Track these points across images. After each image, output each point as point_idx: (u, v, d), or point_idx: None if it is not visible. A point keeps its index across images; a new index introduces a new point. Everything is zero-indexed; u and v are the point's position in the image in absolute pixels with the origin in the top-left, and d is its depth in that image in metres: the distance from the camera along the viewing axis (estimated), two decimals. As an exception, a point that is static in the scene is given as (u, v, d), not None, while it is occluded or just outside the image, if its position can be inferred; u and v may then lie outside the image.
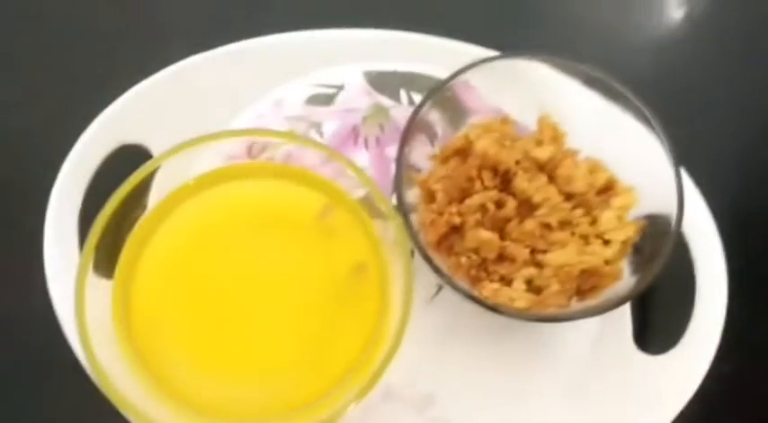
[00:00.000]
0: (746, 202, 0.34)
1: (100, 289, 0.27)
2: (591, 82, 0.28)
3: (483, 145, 0.27)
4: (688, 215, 0.29)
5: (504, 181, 0.28)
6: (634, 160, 0.28)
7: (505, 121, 0.29)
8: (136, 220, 0.29)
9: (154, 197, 0.29)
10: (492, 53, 0.32)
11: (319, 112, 0.34)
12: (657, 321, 0.31)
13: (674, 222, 0.26)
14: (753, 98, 0.37)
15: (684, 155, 0.30)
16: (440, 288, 0.31)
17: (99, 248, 0.26)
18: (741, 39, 0.38)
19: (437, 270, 0.25)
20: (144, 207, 0.29)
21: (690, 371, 0.29)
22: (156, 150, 0.31)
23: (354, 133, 0.34)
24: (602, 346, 0.30)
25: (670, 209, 0.27)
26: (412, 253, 0.26)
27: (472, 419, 0.29)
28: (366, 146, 0.34)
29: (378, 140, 0.34)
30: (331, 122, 0.34)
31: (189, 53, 0.33)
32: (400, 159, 0.26)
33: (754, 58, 0.38)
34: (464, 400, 0.30)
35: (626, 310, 0.30)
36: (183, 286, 0.28)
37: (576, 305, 0.26)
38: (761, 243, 0.33)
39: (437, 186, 0.28)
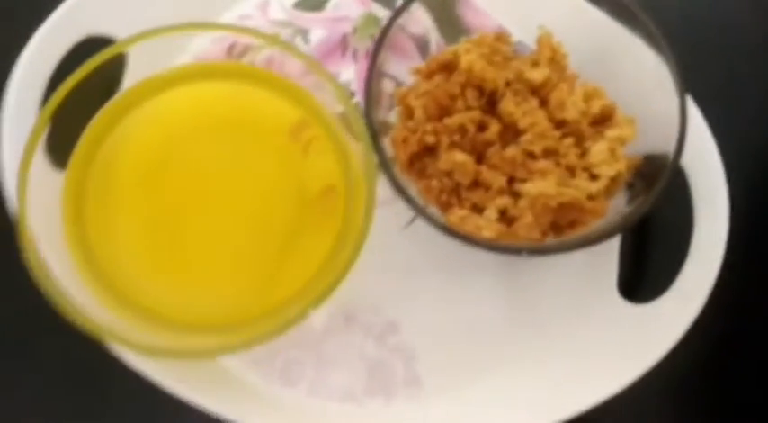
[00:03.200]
0: (761, 149, 0.31)
1: (52, 179, 0.26)
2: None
3: (469, 60, 0.25)
4: (693, 155, 0.27)
5: (491, 102, 0.25)
6: (639, 92, 0.26)
7: (500, 37, 0.27)
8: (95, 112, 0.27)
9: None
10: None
11: (307, 17, 0.32)
12: (647, 269, 0.29)
13: (672, 156, 0.23)
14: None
15: (698, 92, 0.27)
16: (415, 216, 0.30)
17: (55, 134, 0.25)
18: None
19: (400, 190, 0.23)
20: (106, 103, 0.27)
21: (673, 322, 0.27)
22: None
23: (343, 44, 0.31)
24: (583, 289, 0.28)
25: (671, 146, 0.24)
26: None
27: (432, 352, 0.28)
28: (355, 58, 0.31)
29: (367, 54, 0.31)
30: (319, 30, 0.32)
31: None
32: (372, 69, 0.24)
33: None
34: (427, 332, 0.28)
35: (613, 256, 0.28)
36: (142, 186, 0.27)
37: (550, 240, 0.24)
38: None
39: (416, 103, 0.25)
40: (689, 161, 0.27)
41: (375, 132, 0.23)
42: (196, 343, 0.26)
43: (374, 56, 0.24)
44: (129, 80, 0.28)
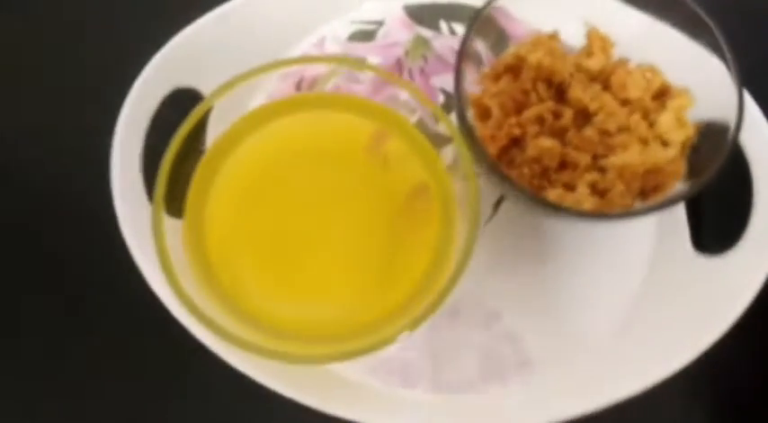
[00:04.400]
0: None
1: (172, 228, 0.28)
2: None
3: (537, 57, 0.27)
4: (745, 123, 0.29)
5: (559, 93, 0.28)
6: (684, 67, 0.29)
7: (553, 37, 0.30)
8: (196, 161, 0.29)
9: (210, 139, 0.30)
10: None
11: (362, 47, 0.35)
12: (715, 224, 0.31)
13: (730, 122, 0.26)
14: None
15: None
16: (494, 211, 0.32)
17: (167, 193, 0.27)
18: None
19: (506, 179, 0.25)
20: (201, 149, 0.30)
21: (750, 271, 0.29)
22: (207, 92, 0.32)
23: (399, 66, 0.34)
24: (661, 250, 0.31)
25: (727, 114, 0.27)
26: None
27: (537, 331, 0.30)
28: (411, 77, 0.34)
29: (422, 71, 0.34)
30: (374, 57, 0.34)
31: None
32: (459, 75, 0.26)
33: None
34: (528, 314, 0.30)
35: (682, 215, 0.31)
36: (250, 220, 0.29)
37: (639, 205, 0.26)
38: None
39: (492, 102, 0.28)
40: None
41: (472, 130, 0.26)
42: (309, 351, 0.27)
43: (458, 65, 0.26)
44: (212, 125, 0.30)
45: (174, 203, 0.28)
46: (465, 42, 0.27)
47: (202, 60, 0.32)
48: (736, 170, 0.30)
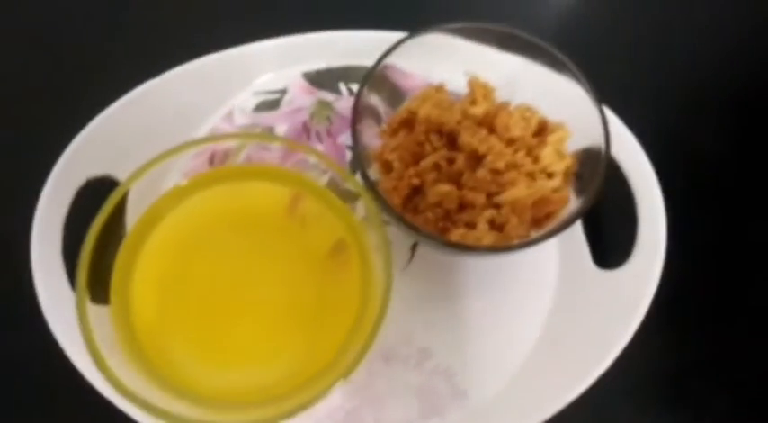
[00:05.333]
0: (667, 127, 0.38)
1: (98, 315, 0.28)
2: (506, 39, 0.32)
3: (425, 110, 0.30)
4: (617, 142, 0.33)
5: (451, 140, 0.31)
6: (560, 103, 0.32)
7: (440, 89, 0.32)
8: (117, 246, 0.30)
9: (130, 223, 0.31)
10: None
11: (268, 117, 0.36)
12: (609, 241, 0.34)
13: (603, 147, 0.29)
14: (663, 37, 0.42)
15: (603, 91, 0.34)
16: (412, 254, 0.34)
17: (89, 279, 0.28)
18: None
19: (411, 227, 0.27)
20: (122, 234, 0.30)
21: (644, 278, 0.32)
22: (122, 178, 0.33)
23: (305, 129, 0.36)
24: (565, 271, 0.33)
25: (599, 139, 0.30)
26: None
27: (465, 362, 0.32)
28: (319, 139, 0.36)
29: (329, 132, 0.36)
30: (282, 124, 0.36)
31: (134, 84, 0.34)
32: (355, 135, 0.28)
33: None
34: (455, 347, 0.32)
35: (580, 235, 0.34)
36: (176, 294, 0.30)
37: (535, 233, 0.29)
38: (687, 159, 0.37)
39: (392, 156, 0.30)
40: (613, 147, 0.34)
41: (372, 184, 0.28)
42: (243, 417, 0.28)
43: (353, 128, 0.29)
44: (131, 208, 0.31)
45: (100, 290, 0.29)
46: (356, 105, 0.29)
47: (115, 148, 0.33)
48: (621, 188, 0.34)
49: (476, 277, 0.34)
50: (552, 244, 0.34)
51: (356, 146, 0.28)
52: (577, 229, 0.34)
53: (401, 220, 0.27)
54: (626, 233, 0.33)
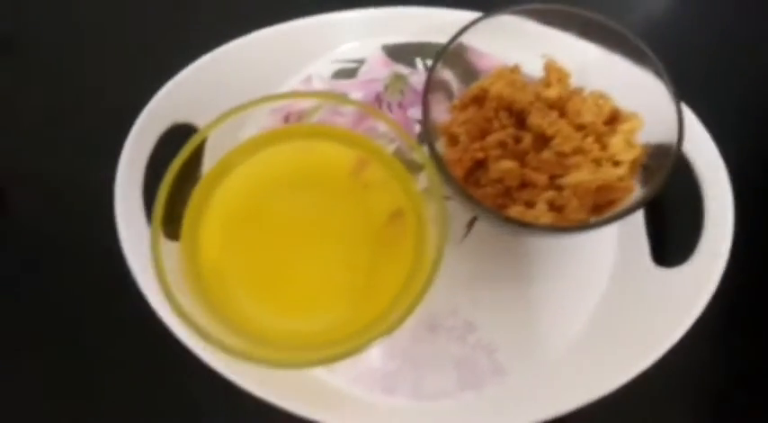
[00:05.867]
0: (747, 133, 0.37)
1: (169, 250, 0.30)
2: (588, 25, 0.31)
3: (498, 88, 0.30)
4: (690, 140, 0.32)
5: (520, 120, 0.31)
6: (637, 96, 0.31)
7: (515, 69, 0.33)
8: (192, 188, 0.32)
9: (206, 167, 0.33)
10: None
11: (345, 84, 0.38)
12: (672, 239, 0.34)
13: (675, 141, 0.29)
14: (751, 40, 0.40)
15: (685, 88, 0.33)
16: (468, 230, 0.34)
17: (164, 216, 0.30)
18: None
19: (470, 198, 0.28)
20: (198, 178, 0.32)
21: (704, 280, 0.31)
22: (203, 126, 0.35)
23: (378, 100, 0.37)
24: (623, 264, 0.33)
25: (672, 135, 0.29)
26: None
27: (509, 341, 0.32)
28: (390, 110, 0.37)
29: (400, 104, 0.37)
30: (356, 93, 0.38)
31: (222, 41, 0.36)
32: (426, 105, 0.29)
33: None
34: (501, 325, 0.32)
35: (642, 230, 0.33)
36: (241, 240, 0.31)
37: (594, 219, 0.29)
38: (763, 167, 0.36)
39: (459, 130, 0.31)
40: (687, 145, 0.33)
41: (438, 156, 0.28)
42: (294, 357, 0.29)
43: (425, 101, 0.29)
44: (208, 156, 0.33)
45: (174, 227, 0.31)
46: (429, 79, 0.30)
47: (199, 98, 0.35)
48: (690, 188, 0.33)
49: (529, 261, 0.34)
50: (612, 236, 0.33)
51: (426, 116, 0.29)
52: (640, 223, 0.33)
53: (461, 191, 0.28)
54: (690, 233, 0.33)
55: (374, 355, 0.32)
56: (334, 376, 0.32)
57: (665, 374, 0.31)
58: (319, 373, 0.32)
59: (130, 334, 0.33)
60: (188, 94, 0.35)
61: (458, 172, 0.30)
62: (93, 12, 0.41)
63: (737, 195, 0.33)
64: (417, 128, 0.37)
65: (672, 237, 0.34)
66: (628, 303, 0.32)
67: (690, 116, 0.34)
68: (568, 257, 0.34)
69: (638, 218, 0.33)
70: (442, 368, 0.32)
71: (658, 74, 0.29)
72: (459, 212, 0.34)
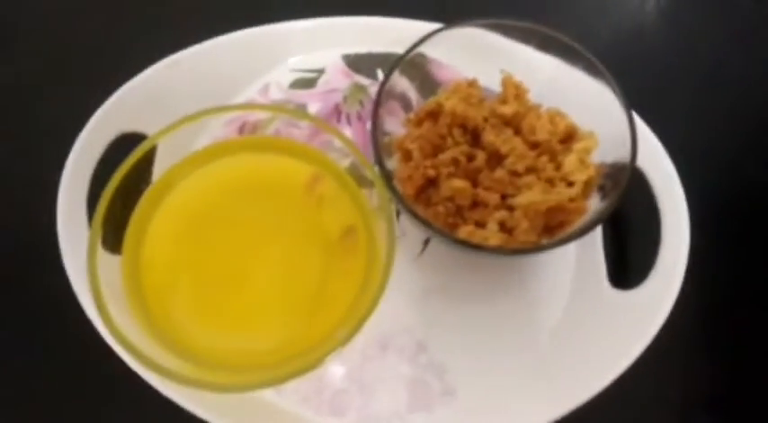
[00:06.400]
0: (704, 149, 0.37)
1: (110, 263, 0.29)
2: (546, 40, 0.31)
3: (451, 104, 0.30)
4: (647, 158, 0.32)
5: (474, 136, 0.30)
6: (593, 112, 0.31)
7: (472, 84, 0.32)
8: (138, 200, 0.31)
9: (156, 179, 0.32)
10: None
11: (303, 94, 0.37)
12: (628, 260, 0.33)
13: (629, 156, 0.28)
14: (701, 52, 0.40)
15: (642, 106, 0.33)
16: (425, 246, 0.34)
17: (106, 225, 0.29)
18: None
19: (419, 218, 0.27)
20: (144, 189, 0.31)
21: (659, 301, 0.31)
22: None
23: (337, 111, 0.37)
24: (579, 285, 0.32)
25: (627, 152, 0.29)
26: (397, 215, 0.29)
27: (460, 362, 0.31)
28: (349, 122, 0.36)
29: (359, 116, 0.36)
30: (314, 103, 0.37)
31: (177, 48, 0.35)
32: (375, 120, 0.28)
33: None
34: (452, 345, 0.32)
35: (599, 251, 0.33)
36: (187, 253, 0.30)
37: (545, 241, 0.28)
38: (718, 184, 0.36)
39: (413, 146, 0.30)
40: (645, 163, 0.33)
41: (388, 174, 0.28)
42: (238, 379, 0.28)
43: (374, 114, 0.29)
44: (159, 166, 0.32)
45: (117, 241, 0.30)
46: (381, 92, 0.29)
47: (151, 107, 0.34)
48: (649, 210, 0.33)
49: (485, 279, 0.33)
50: (570, 257, 0.33)
51: (375, 130, 0.28)
52: (598, 244, 0.33)
53: (409, 210, 0.27)
54: (649, 250, 0.32)
55: (323, 376, 0.32)
56: (282, 398, 0.31)
57: (621, 395, 0.30)
58: (266, 393, 0.31)
59: (69, 348, 0.32)
60: (140, 102, 0.34)
61: (409, 190, 0.29)
62: (51, 13, 0.40)
63: (695, 218, 0.32)
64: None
65: (631, 257, 0.33)
66: (583, 324, 0.32)
67: (649, 136, 0.34)
68: (525, 278, 0.33)
69: (596, 235, 0.33)
70: (392, 389, 0.31)
71: (612, 88, 0.29)
72: (415, 229, 0.34)
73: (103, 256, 0.29)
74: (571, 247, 0.33)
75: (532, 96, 0.32)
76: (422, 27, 0.36)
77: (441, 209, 0.29)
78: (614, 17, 0.42)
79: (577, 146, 0.29)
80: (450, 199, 0.29)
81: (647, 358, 0.30)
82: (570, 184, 0.29)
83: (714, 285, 0.33)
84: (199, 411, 0.29)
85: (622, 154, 0.29)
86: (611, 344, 0.31)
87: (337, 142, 0.31)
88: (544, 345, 0.32)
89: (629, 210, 0.34)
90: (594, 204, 0.29)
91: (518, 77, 0.32)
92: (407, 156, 0.30)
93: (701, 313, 0.33)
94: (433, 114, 0.31)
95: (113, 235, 0.30)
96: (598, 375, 0.30)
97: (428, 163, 0.29)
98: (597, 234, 0.33)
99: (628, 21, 0.42)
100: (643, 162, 0.32)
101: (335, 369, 0.32)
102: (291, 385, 0.31)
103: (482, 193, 0.28)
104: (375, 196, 0.31)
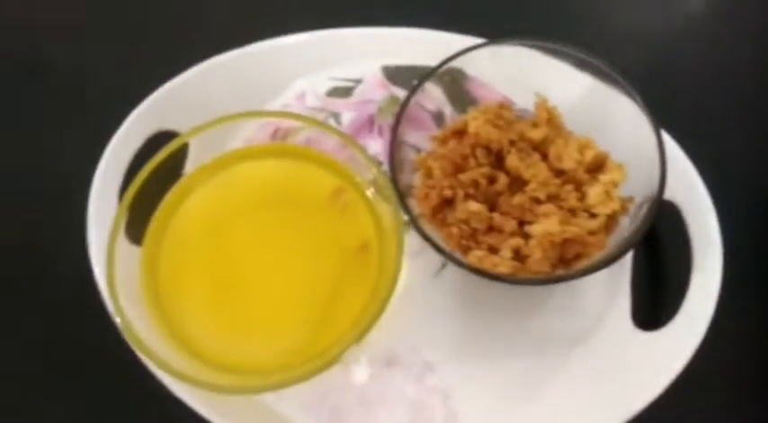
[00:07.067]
0: (747, 188, 0.34)
1: (131, 254, 0.30)
2: (583, 65, 0.30)
3: (476, 125, 0.29)
4: (684, 193, 0.30)
5: (498, 159, 0.30)
6: (627, 142, 0.29)
7: (503, 105, 0.31)
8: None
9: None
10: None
11: (338, 103, 0.37)
12: (655, 299, 0.31)
13: (656, 191, 0.27)
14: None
15: (686, 142, 0.31)
16: (444, 265, 0.33)
17: (132, 215, 0.30)
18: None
19: (427, 238, 0.27)
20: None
21: (680, 346, 0.29)
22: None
23: (370, 122, 0.36)
24: (599, 321, 0.31)
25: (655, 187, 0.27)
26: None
27: (467, 387, 0.31)
28: (381, 133, 0.36)
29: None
30: (349, 113, 0.37)
31: (219, 51, 0.36)
32: (395, 137, 0.28)
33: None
34: (461, 369, 0.31)
35: (626, 288, 0.31)
36: (206, 254, 0.31)
37: (560, 272, 0.27)
38: (759, 232, 0.33)
39: (434, 164, 0.30)
40: (681, 199, 0.31)
41: (401, 192, 0.27)
42: (250, 382, 0.28)
43: (395, 129, 0.28)
44: (191, 165, 0.33)
45: (141, 233, 0.31)
46: (406, 103, 0.29)
47: (189, 107, 0.35)
48: (681, 250, 0.31)
49: (502, 305, 0.32)
50: (594, 291, 0.31)
51: (393, 146, 0.28)
52: (625, 281, 0.31)
53: (419, 229, 0.27)
54: (671, 298, 0.30)
55: (325, 385, 0.31)
56: (282, 403, 0.31)
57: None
58: (267, 397, 0.31)
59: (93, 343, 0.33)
60: (179, 101, 0.35)
61: (425, 208, 0.29)
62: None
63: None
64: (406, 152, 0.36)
65: (659, 297, 0.31)
66: (598, 363, 0.30)
67: (684, 161, 0.32)
68: (545, 309, 0.32)
69: (625, 276, 0.31)
70: (393, 409, 0.31)
71: (646, 114, 0.28)
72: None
73: (125, 246, 0.30)
74: (598, 278, 0.32)
75: (566, 120, 0.31)
76: (467, 41, 0.36)
77: (455, 230, 0.28)
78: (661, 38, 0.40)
79: (604, 177, 0.28)
80: (465, 221, 0.28)
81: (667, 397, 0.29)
82: (592, 215, 0.28)
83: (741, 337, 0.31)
84: (199, 408, 0.30)
85: (652, 188, 0.27)
86: (624, 387, 0.29)
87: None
88: (555, 378, 0.30)
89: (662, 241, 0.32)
90: (617, 238, 0.28)
91: (553, 99, 0.31)
92: (428, 174, 0.30)
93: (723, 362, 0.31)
94: (459, 133, 0.31)
95: (138, 228, 0.31)
96: (609, 416, 0.29)
97: (446, 182, 0.29)
98: (626, 267, 0.31)
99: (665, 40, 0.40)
100: (679, 197, 0.31)
101: (339, 380, 0.32)
102: (291, 391, 0.31)
103: (498, 218, 0.28)
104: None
